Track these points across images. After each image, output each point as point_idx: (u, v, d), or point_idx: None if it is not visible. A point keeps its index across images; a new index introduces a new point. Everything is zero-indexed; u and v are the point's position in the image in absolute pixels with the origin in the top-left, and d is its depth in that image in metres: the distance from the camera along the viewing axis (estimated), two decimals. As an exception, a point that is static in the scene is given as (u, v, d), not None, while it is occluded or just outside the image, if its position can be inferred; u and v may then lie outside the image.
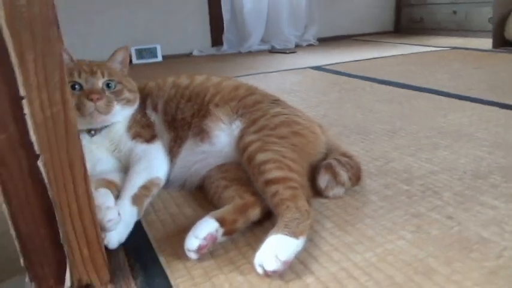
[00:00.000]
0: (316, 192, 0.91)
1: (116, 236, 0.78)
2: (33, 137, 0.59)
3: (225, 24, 3.71)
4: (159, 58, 3.48)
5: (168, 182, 1.01)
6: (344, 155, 0.97)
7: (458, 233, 0.77)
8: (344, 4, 4.29)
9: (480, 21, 3.64)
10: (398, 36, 4.19)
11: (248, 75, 2.54)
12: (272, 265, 0.65)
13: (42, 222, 0.64)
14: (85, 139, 0.97)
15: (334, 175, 0.91)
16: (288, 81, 2.32)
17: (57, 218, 0.64)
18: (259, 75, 2.55)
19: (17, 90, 0.57)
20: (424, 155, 1.14)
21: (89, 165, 0.98)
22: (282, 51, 3.60)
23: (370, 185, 0.98)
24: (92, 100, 0.89)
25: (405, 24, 4.43)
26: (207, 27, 3.78)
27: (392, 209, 0.87)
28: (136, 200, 0.87)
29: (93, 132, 0.98)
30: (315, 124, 1.04)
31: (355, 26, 4.40)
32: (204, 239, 0.72)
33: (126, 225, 0.82)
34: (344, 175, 0.91)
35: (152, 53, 3.49)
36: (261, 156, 0.86)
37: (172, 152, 1.01)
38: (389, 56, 3.00)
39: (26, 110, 0.57)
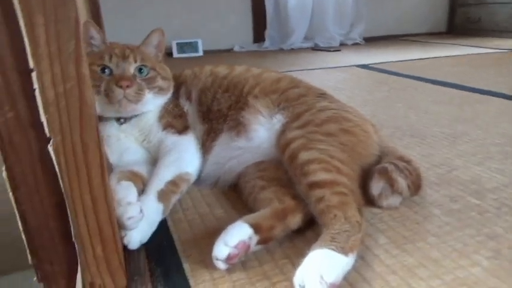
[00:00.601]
0: (367, 200, 0.78)
1: (137, 236, 0.69)
2: (43, 117, 0.51)
3: (267, 20, 3.59)
4: (200, 53, 3.43)
5: (200, 179, 0.91)
6: (401, 159, 0.83)
7: (549, 262, 0.62)
8: (393, 2, 4.06)
9: (547, 22, 3.31)
10: (452, 37, 3.91)
11: (290, 71, 2.41)
12: (316, 287, 0.53)
13: (53, 214, 0.56)
14: (113, 127, 0.90)
15: (391, 182, 0.78)
16: (332, 78, 2.18)
17: (68, 211, 0.55)
18: (302, 71, 2.42)
19: (27, 62, 0.49)
20: (495, 165, 0.98)
21: (115, 155, 0.92)
22: (326, 49, 3.45)
23: (431, 196, 0.84)
24: (121, 87, 0.81)
25: (460, 24, 4.13)
26: (249, 23, 3.69)
27: (461, 226, 0.72)
28: (162, 196, 0.77)
29: (122, 120, 0.90)
30: (368, 122, 0.91)
31: (404, 25, 4.15)
32: (235, 247, 0.61)
33: (149, 223, 0.73)
34: (402, 182, 0.78)
35: (193, 47, 3.44)
36: (304, 155, 0.75)
37: (205, 147, 0.91)
38: (443, 57, 2.78)
39: (36, 85, 0.49)
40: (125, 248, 0.68)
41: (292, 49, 3.60)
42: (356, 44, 3.78)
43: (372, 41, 3.88)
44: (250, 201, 0.80)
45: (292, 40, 3.63)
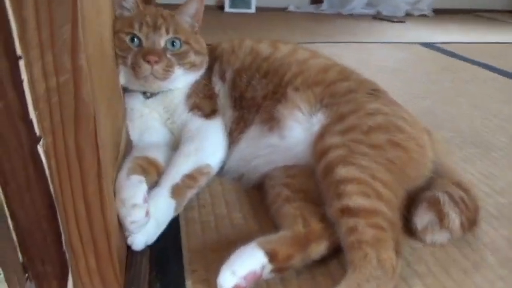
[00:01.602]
0: (408, 229, 0.67)
1: (142, 238, 0.63)
2: (32, 113, 0.43)
3: (329, -20, 3.33)
4: (253, 9, 3.25)
5: (222, 170, 0.83)
6: (459, 186, 0.70)
7: None
8: (472, -29, 3.61)
9: None
10: (537, 19, 3.45)
11: (344, 42, 2.22)
12: None
13: (46, 215, 0.50)
14: (138, 100, 0.83)
15: (441, 216, 0.65)
16: (390, 57, 1.97)
17: (59, 218, 0.49)
18: (358, 44, 2.21)
19: (15, 48, 0.40)
20: None
21: (137, 132, 0.84)
22: (388, 19, 3.15)
23: (487, 235, 0.70)
24: (149, 62, 0.72)
25: (549, 4, 3.62)
26: (309, -19, 3.43)
27: (519, 285, 0.60)
28: (177, 191, 0.70)
29: (148, 94, 0.83)
30: (424, 132, 0.77)
31: (482, -1, 3.71)
32: (244, 278, 0.53)
33: (157, 224, 0.66)
34: (455, 218, 0.65)
35: (246, 3, 3.26)
36: (342, 171, 0.63)
37: (232, 137, 0.82)
38: (524, 43, 2.45)
39: (24, 75, 0.41)
40: (128, 247, 0.63)
41: (352, 15, 3.32)
42: (423, 15, 3.43)
43: (441, 13, 3.51)
44: (273, 211, 0.71)
45: (353, 5, 3.35)
